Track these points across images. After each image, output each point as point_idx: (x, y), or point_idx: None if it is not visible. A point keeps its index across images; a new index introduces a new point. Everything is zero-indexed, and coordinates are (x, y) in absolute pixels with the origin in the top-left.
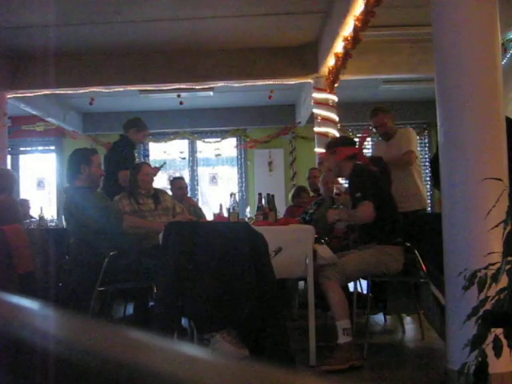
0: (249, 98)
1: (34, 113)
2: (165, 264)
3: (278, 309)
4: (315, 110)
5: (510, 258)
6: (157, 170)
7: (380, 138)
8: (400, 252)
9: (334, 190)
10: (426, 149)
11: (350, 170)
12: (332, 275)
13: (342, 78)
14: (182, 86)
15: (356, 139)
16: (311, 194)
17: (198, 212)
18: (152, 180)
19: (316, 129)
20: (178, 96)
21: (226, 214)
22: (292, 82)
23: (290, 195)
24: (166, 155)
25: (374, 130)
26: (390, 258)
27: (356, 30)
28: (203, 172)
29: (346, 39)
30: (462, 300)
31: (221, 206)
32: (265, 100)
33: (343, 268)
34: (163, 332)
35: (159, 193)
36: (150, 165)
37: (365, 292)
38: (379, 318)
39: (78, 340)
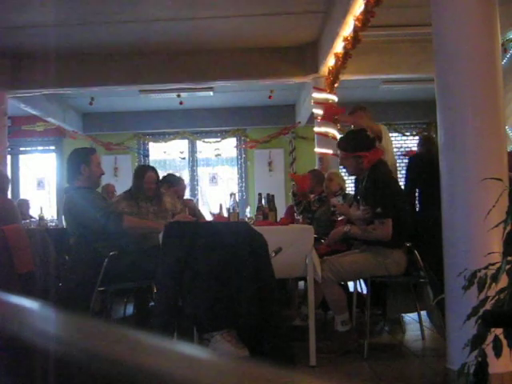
0: (249, 98)
1: (34, 113)
2: (165, 264)
3: (277, 309)
4: (315, 110)
5: (510, 258)
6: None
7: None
8: (403, 256)
9: (331, 204)
10: None
11: (368, 171)
12: (328, 277)
13: (342, 77)
14: (182, 86)
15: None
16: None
17: (198, 213)
18: (155, 185)
19: (316, 129)
20: (178, 96)
21: (225, 214)
22: (292, 82)
23: (290, 195)
24: (166, 155)
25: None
26: (391, 261)
27: (356, 30)
28: (203, 172)
29: (346, 39)
30: (462, 300)
31: (221, 205)
32: (265, 100)
33: (341, 268)
34: (163, 332)
35: (160, 196)
36: (154, 169)
37: (364, 292)
38: (379, 318)
39: (78, 340)
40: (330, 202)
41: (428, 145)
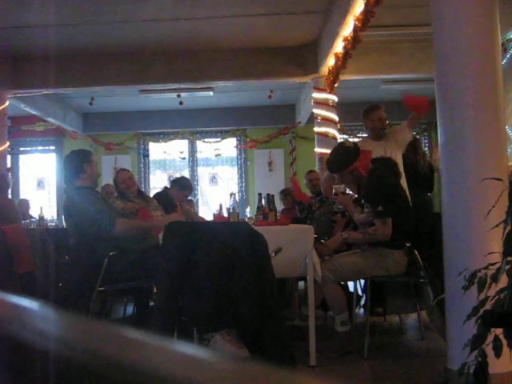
0: (249, 98)
1: (34, 113)
2: (165, 264)
3: (277, 309)
4: (315, 110)
5: (509, 258)
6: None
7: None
8: (403, 256)
9: (333, 190)
10: (426, 149)
11: (366, 176)
12: (327, 276)
13: (342, 77)
14: (182, 86)
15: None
16: (309, 195)
17: (194, 217)
18: (131, 183)
19: (316, 129)
20: (178, 96)
21: (226, 214)
22: (292, 81)
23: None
24: (166, 155)
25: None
26: (392, 262)
27: (356, 30)
28: (203, 172)
29: (346, 39)
30: (462, 300)
31: (221, 206)
32: (265, 100)
33: (341, 268)
34: (163, 332)
35: (144, 194)
36: (126, 170)
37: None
38: (379, 318)
39: (78, 340)
40: (334, 189)
41: (414, 147)
